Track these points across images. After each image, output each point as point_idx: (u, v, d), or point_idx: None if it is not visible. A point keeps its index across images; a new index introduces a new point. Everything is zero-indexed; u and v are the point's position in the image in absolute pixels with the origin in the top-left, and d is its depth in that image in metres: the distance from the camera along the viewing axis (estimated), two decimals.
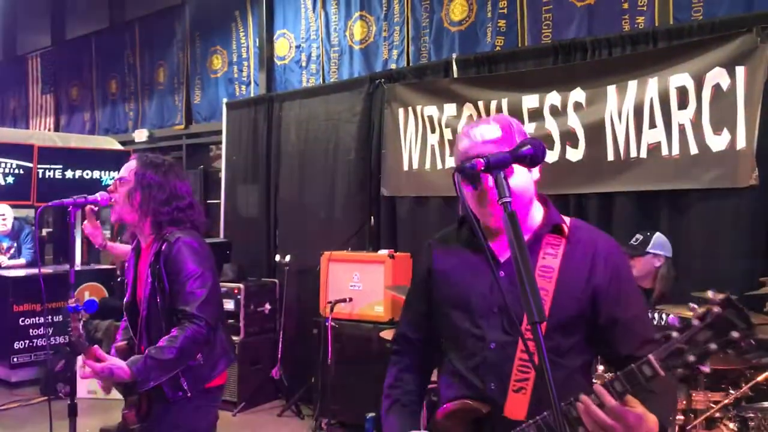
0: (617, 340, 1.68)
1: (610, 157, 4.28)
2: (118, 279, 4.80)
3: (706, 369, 1.41)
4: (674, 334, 1.41)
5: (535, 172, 1.73)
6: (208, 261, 2.71)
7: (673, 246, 3.89)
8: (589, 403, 1.47)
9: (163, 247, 2.64)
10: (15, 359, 6.29)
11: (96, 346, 2.51)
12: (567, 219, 1.81)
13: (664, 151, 4.06)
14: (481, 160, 1.48)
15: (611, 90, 4.26)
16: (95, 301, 2.71)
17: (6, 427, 5.06)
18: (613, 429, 1.44)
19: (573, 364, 1.70)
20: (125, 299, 2.86)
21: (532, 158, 1.53)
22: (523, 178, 1.70)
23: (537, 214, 1.78)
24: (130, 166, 2.77)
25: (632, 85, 4.17)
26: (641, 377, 1.43)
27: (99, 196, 2.89)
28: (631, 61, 4.24)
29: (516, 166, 1.61)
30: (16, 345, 6.26)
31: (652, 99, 4.10)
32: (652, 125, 4.10)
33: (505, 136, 1.69)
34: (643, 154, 4.15)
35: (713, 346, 1.37)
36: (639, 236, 3.76)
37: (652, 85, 4.09)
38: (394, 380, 1.95)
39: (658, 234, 3.77)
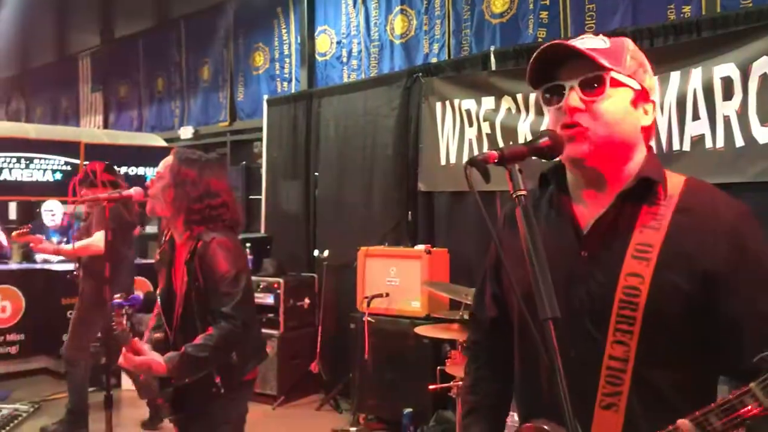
0: (743, 347, 1.24)
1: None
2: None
3: None
4: None
5: (645, 117, 1.38)
6: (242, 261, 2.73)
7: None
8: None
9: (199, 246, 2.66)
10: (62, 351, 6.46)
11: (137, 339, 2.56)
12: (680, 177, 1.39)
13: (708, 144, 3.93)
14: (495, 152, 1.34)
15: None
16: (139, 296, 2.76)
17: (53, 416, 5.20)
18: None
19: (676, 379, 1.30)
20: (159, 291, 2.90)
21: (548, 150, 1.45)
22: (619, 106, 1.34)
23: (635, 169, 1.38)
24: (168, 161, 2.79)
25: (675, 76, 4.05)
26: (743, 412, 1.07)
27: (133, 191, 2.95)
28: (674, 52, 4.11)
29: (611, 89, 1.32)
30: (64, 337, 6.43)
31: (695, 90, 3.97)
32: (696, 117, 3.97)
33: (612, 50, 1.36)
34: (687, 147, 4.02)
35: None
36: None
37: (696, 75, 3.96)
38: (474, 385, 1.65)
39: None
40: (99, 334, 4.86)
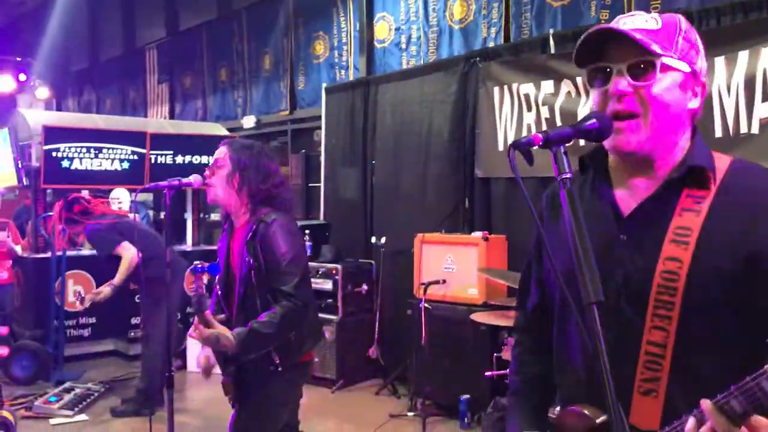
0: None
1: (718, 133, 4.01)
2: None
3: None
4: None
5: (694, 100, 1.36)
6: (301, 242, 2.88)
7: None
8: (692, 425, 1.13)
9: (260, 227, 2.77)
10: (132, 334, 6.74)
11: (208, 311, 2.66)
12: (725, 158, 1.36)
13: None
14: (539, 134, 1.36)
15: (719, 62, 3.99)
16: (217, 264, 2.86)
17: (122, 396, 5.41)
18: None
19: (718, 365, 1.27)
20: (218, 276, 2.99)
21: (597, 133, 1.42)
22: (669, 90, 1.31)
23: (680, 153, 1.36)
24: (224, 151, 2.91)
25: (743, 55, 3.89)
26: (761, 394, 1.05)
27: (192, 179, 3.03)
28: (742, 30, 3.95)
29: (661, 74, 1.29)
30: (133, 320, 6.69)
31: (765, 70, 3.81)
32: (765, 98, 3.81)
33: (663, 32, 1.32)
34: (755, 130, 3.86)
35: None
36: None
37: (765, 54, 3.79)
38: (519, 369, 1.67)
39: None
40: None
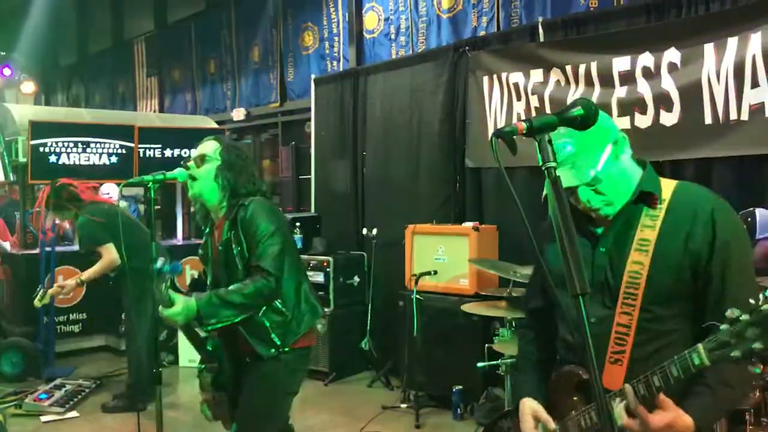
0: (708, 306, 1.62)
1: (708, 120, 3.99)
2: None
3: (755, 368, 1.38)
4: (723, 326, 1.38)
5: (622, 148, 1.74)
6: (280, 219, 2.87)
7: None
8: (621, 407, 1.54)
9: (239, 212, 2.79)
10: (122, 329, 6.67)
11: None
12: (671, 183, 1.74)
13: None
14: (523, 123, 1.38)
15: (708, 48, 3.97)
16: (179, 264, 2.89)
17: (114, 392, 5.39)
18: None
19: (674, 334, 1.65)
20: (209, 281, 3.00)
21: (582, 120, 1.42)
22: (610, 166, 1.70)
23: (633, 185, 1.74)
24: (212, 146, 2.91)
25: (732, 42, 3.86)
26: (691, 366, 1.43)
27: (177, 171, 2.99)
28: (732, 16, 3.91)
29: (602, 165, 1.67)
30: (123, 316, 6.64)
31: (754, 56, 3.77)
32: (755, 84, 3.78)
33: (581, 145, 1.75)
34: (745, 116, 3.84)
35: (758, 345, 1.32)
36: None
37: (755, 40, 3.76)
38: (521, 354, 2.06)
39: (759, 214, 3.46)
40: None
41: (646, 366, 1.55)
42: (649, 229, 1.67)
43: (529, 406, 1.83)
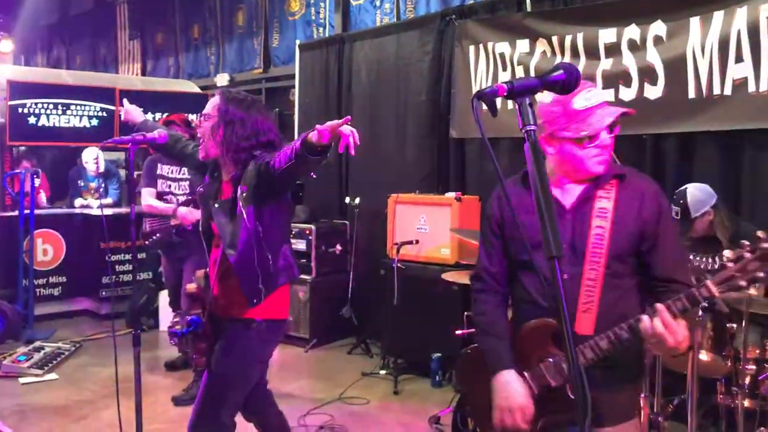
0: (655, 263, 1.98)
1: (692, 94, 4.00)
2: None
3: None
4: (729, 264, 1.74)
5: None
6: None
7: (757, 189, 3.62)
8: (647, 320, 1.77)
9: (249, 166, 2.69)
10: (103, 293, 6.68)
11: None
12: (623, 168, 2.11)
13: (751, 87, 3.75)
14: (504, 85, 1.38)
15: (694, 22, 3.96)
16: (199, 319, 2.84)
17: (93, 356, 5.40)
18: (664, 339, 1.75)
19: (628, 285, 2.00)
20: (201, 224, 2.93)
21: (563, 84, 1.42)
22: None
23: None
24: (215, 102, 2.78)
25: (718, 16, 3.86)
26: (700, 298, 1.76)
27: (157, 133, 2.95)
28: None
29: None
30: (104, 280, 6.63)
31: (739, 31, 3.78)
32: (739, 59, 3.79)
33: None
34: (728, 91, 3.85)
35: (761, 274, 1.71)
36: (676, 208, 3.49)
37: (741, 15, 3.76)
38: (480, 312, 2.21)
39: (689, 193, 3.52)
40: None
41: (611, 313, 1.91)
42: (605, 199, 1.99)
43: (517, 390, 2.00)
